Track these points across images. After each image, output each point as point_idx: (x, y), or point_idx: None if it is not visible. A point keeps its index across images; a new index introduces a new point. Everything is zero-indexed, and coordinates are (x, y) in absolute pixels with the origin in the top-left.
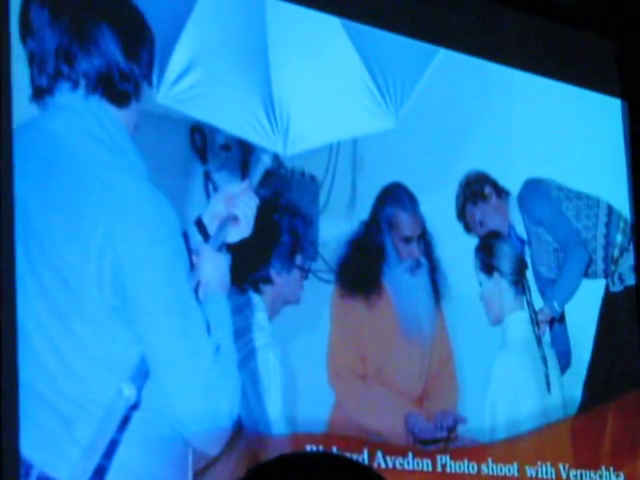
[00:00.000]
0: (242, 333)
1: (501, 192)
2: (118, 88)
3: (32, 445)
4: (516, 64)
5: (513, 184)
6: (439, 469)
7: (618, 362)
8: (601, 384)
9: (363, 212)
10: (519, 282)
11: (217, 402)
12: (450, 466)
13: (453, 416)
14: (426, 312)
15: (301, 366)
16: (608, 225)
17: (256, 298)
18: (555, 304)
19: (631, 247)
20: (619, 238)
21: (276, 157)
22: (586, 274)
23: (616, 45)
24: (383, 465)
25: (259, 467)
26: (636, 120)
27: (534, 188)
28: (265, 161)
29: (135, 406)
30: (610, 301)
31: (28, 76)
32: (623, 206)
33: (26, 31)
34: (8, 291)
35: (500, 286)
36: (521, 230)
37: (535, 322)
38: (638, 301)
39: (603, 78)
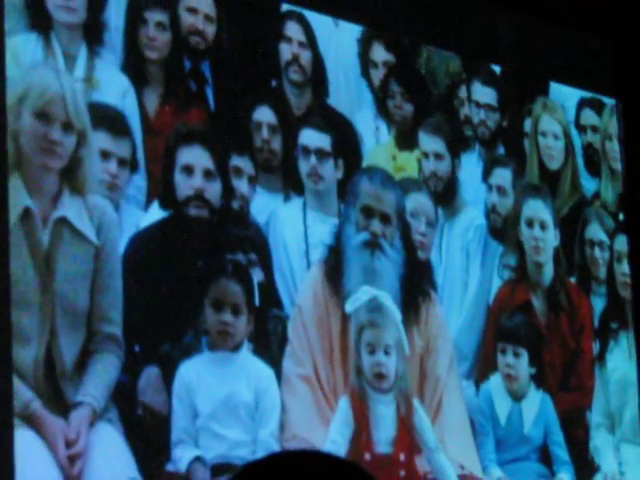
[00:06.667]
0: None
1: None
2: None
3: None
4: (509, 64)
5: None
6: None
7: None
8: None
9: None
10: None
11: None
12: None
13: None
14: None
15: None
16: None
17: None
18: None
19: None
20: None
21: None
22: None
23: (610, 45)
24: None
25: (249, 466)
26: (630, 120)
27: None
28: None
29: None
30: None
31: None
32: None
33: None
34: None
35: None
36: None
37: None
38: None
39: (597, 78)
